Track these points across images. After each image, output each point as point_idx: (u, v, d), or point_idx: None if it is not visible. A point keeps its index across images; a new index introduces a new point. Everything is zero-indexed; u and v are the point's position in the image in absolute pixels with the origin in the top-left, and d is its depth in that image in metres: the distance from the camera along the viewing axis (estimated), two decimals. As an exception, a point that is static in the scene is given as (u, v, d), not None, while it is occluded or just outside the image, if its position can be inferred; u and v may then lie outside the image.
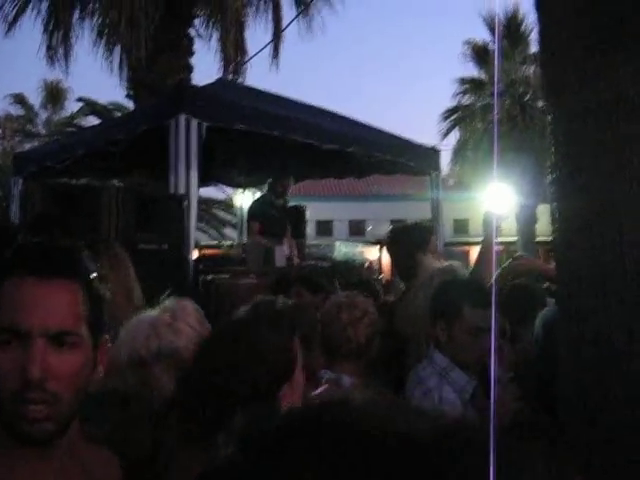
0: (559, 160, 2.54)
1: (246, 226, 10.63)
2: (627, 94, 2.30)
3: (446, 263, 3.84)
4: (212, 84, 8.23)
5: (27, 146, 23.62)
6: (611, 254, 2.29)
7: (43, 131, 28.10)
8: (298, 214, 7.69)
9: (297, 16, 11.92)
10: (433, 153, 8.93)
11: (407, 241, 3.92)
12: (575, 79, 2.43)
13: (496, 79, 25.24)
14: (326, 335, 2.85)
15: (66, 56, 12.26)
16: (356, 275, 6.71)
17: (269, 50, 12.27)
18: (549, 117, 2.66)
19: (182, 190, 5.77)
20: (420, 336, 3.16)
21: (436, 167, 8.80)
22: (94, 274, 1.31)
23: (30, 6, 12.13)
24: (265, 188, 8.26)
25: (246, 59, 12.14)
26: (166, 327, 2.17)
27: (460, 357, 2.73)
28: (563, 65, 2.49)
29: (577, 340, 2.37)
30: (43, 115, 29.53)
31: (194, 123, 5.93)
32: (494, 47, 25.39)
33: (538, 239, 24.27)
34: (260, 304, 2.76)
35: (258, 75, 12.52)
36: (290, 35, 12.32)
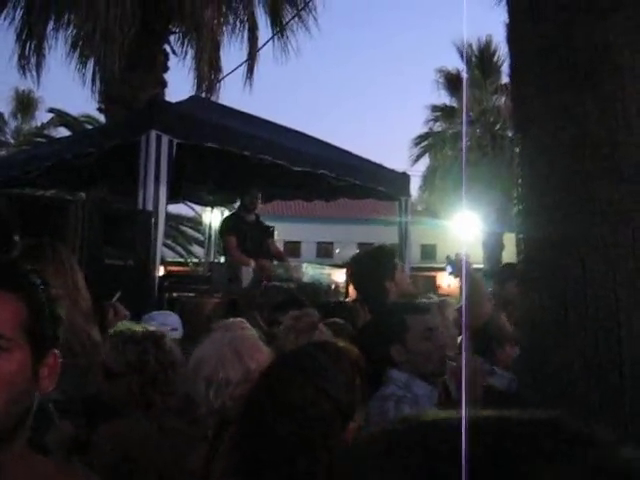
0: (525, 193, 2.58)
1: (216, 244, 10.61)
2: (592, 132, 2.35)
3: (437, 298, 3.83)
4: (185, 101, 8.23)
5: (-5, 155, 23.33)
6: (573, 287, 2.33)
7: (12, 140, 27.78)
8: (267, 234, 7.67)
9: (272, 37, 11.97)
10: (404, 179, 9.00)
11: (374, 270, 3.88)
12: (543, 114, 2.48)
13: (465, 108, 25.56)
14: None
15: (38, 66, 12.13)
16: (322, 297, 6.69)
17: (243, 70, 12.30)
18: (517, 149, 2.71)
19: (150, 206, 5.74)
20: None
21: (406, 193, 8.87)
22: (42, 288, 1.30)
23: (3, 14, 12.01)
24: (236, 205, 8.24)
25: (220, 77, 12.15)
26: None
27: (423, 366, 2.75)
28: (532, 100, 2.53)
29: (539, 370, 2.40)
30: (12, 124, 29.24)
31: (165, 139, 5.92)
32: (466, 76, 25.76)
33: (503, 267, 24.46)
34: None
35: (232, 94, 12.53)
36: (265, 56, 12.40)
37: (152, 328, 2.76)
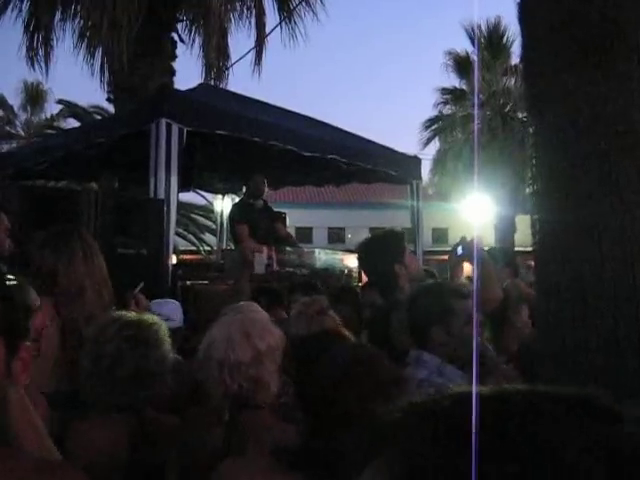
0: (539, 173, 2.56)
1: (228, 231, 10.62)
2: (605, 110, 2.32)
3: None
4: (194, 89, 8.21)
5: (5, 147, 23.41)
6: (590, 267, 2.31)
7: (22, 133, 27.86)
8: (276, 219, 7.66)
9: (280, 23, 11.90)
10: (415, 162, 8.97)
11: (384, 254, 3.85)
12: (556, 93, 2.45)
13: (476, 90, 25.41)
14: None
15: (46, 58, 12.11)
16: (336, 282, 6.69)
17: (252, 56, 12.25)
18: (531, 130, 2.68)
19: (162, 195, 5.74)
20: None
21: (417, 176, 8.83)
22: (14, 283, 1.31)
23: (10, 6, 12.00)
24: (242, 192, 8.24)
25: (228, 64, 12.11)
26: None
27: (461, 351, 2.71)
28: (545, 79, 2.50)
29: (557, 351, 2.39)
30: (22, 117, 29.30)
31: (175, 128, 5.91)
32: (475, 58, 25.56)
33: (517, 249, 24.41)
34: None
35: (240, 81, 12.48)
36: (273, 42, 12.38)
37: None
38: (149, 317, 2.59)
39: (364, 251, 4.02)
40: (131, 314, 2.58)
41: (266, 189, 7.57)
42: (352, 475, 0.61)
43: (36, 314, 2.18)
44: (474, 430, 0.54)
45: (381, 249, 3.86)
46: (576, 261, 2.36)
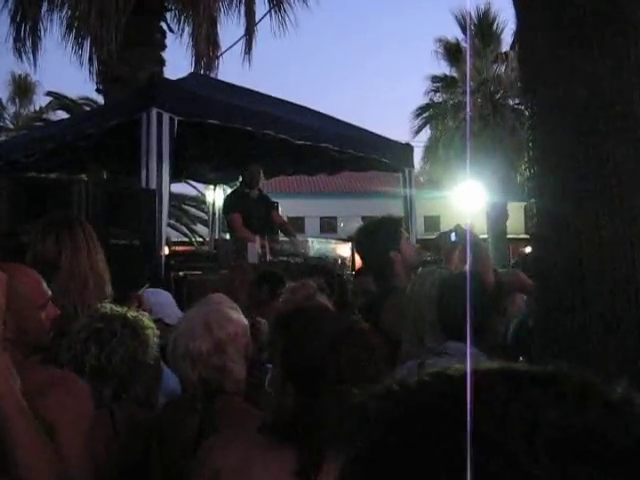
0: (536, 155, 2.53)
1: (220, 222, 10.58)
2: (602, 90, 2.30)
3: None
4: (184, 78, 8.15)
5: (-6, 140, 23.24)
6: (588, 249, 2.29)
7: (11, 125, 27.68)
8: (271, 208, 7.64)
9: (269, 11, 11.84)
10: (407, 149, 8.94)
11: (379, 240, 3.81)
12: (552, 74, 2.43)
13: (468, 77, 25.38)
14: None
15: (34, 49, 12.01)
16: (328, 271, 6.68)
17: (242, 45, 12.19)
18: (526, 112, 2.66)
19: (153, 185, 5.70)
20: (411, 336, 3.05)
21: (410, 164, 8.81)
22: None
23: (-3, -3, 11.90)
24: (237, 182, 8.22)
25: (218, 54, 12.03)
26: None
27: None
28: (540, 60, 2.48)
29: (554, 335, 2.37)
30: (11, 109, 29.10)
31: (166, 117, 5.87)
32: (466, 45, 25.53)
33: (509, 236, 24.47)
34: None
35: (231, 71, 12.43)
36: (263, 32, 12.34)
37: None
38: (131, 312, 2.57)
39: (360, 236, 3.97)
40: (118, 309, 2.56)
41: (262, 179, 7.56)
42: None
43: (49, 304, 2.18)
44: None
45: (377, 235, 3.81)
46: (574, 244, 2.34)
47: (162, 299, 3.93)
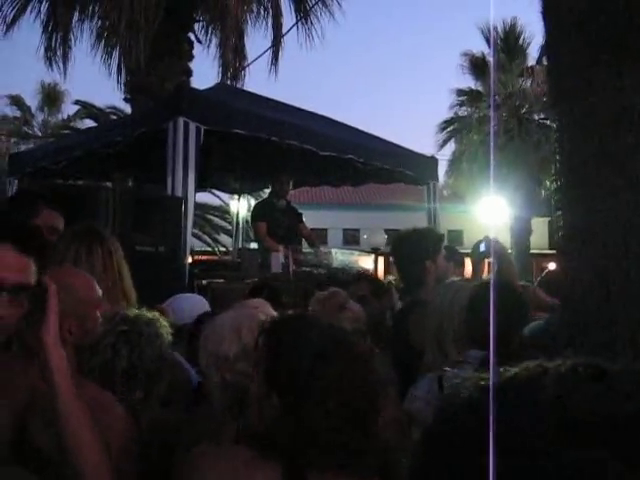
0: (563, 169, 2.53)
1: (243, 231, 10.64)
2: (632, 104, 2.30)
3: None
4: (211, 88, 8.23)
5: (23, 148, 23.54)
6: (615, 264, 2.28)
7: (39, 133, 28.03)
8: (298, 219, 7.67)
9: (296, 23, 11.93)
10: (432, 162, 8.93)
11: (419, 247, 3.79)
12: (581, 88, 2.42)
13: (492, 91, 25.31)
14: None
15: (64, 58, 12.21)
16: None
17: (268, 57, 12.28)
18: (553, 126, 2.65)
19: (179, 193, 5.75)
20: (432, 347, 3.03)
21: (434, 177, 8.80)
22: None
23: (29, 7, 12.09)
24: (266, 191, 8.29)
25: (245, 65, 12.13)
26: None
27: None
28: (569, 74, 2.48)
29: (581, 348, 2.36)
30: (40, 117, 29.48)
31: (192, 126, 5.92)
32: (491, 59, 25.46)
33: (532, 251, 24.31)
34: None
35: (257, 82, 12.52)
36: (290, 44, 12.48)
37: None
38: (147, 313, 2.58)
39: (401, 241, 3.96)
40: (136, 311, 2.57)
41: (290, 189, 7.61)
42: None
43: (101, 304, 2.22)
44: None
45: (418, 242, 3.81)
46: (600, 257, 2.33)
47: (188, 304, 3.95)
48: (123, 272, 3.01)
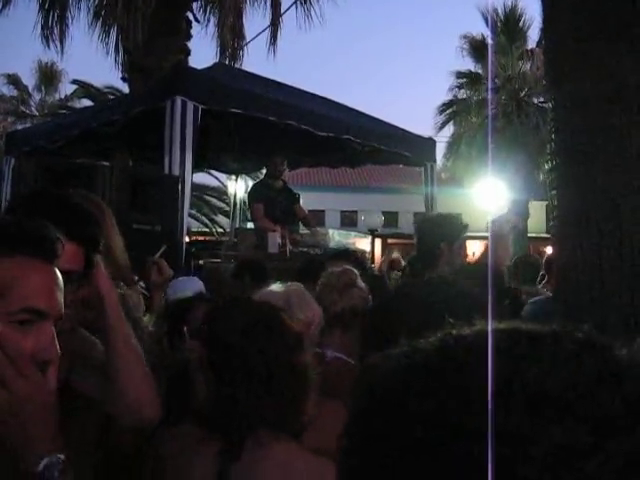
0: (558, 148, 2.53)
1: (241, 212, 10.63)
2: (628, 83, 2.30)
3: None
4: (209, 68, 8.19)
5: (20, 127, 23.45)
6: (609, 242, 2.29)
7: (36, 113, 27.91)
8: (294, 200, 7.66)
9: (295, 2, 11.84)
10: (430, 144, 8.92)
11: (440, 230, 3.80)
12: (577, 67, 2.42)
13: (491, 74, 25.23)
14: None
15: (61, 36, 12.11)
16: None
17: (267, 37, 12.21)
18: (550, 105, 2.66)
19: (176, 173, 5.73)
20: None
21: (432, 158, 8.78)
22: None
23: (26, -16, 11.99)
24: (263, 172, 8.27)
25: (243, 44, 12.06)
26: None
27: None
28: (566, 53, 2.48)
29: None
30: (37, 97, 29.34)
31: (190, 105, 5.89)
32: (491, 41, 25.37)
33: (530, 234, 24.32)
34: None
35: (255, 63, 12.46)
36: (289, 25, 12.42)
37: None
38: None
39: (423, 221, 4.00)
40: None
41: (285, 170, 7.58)
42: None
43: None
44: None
45: (438, 224, 3.83)
46: (595, 238, 2.34)
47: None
48: (118, 243, 3.02)
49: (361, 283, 3.12)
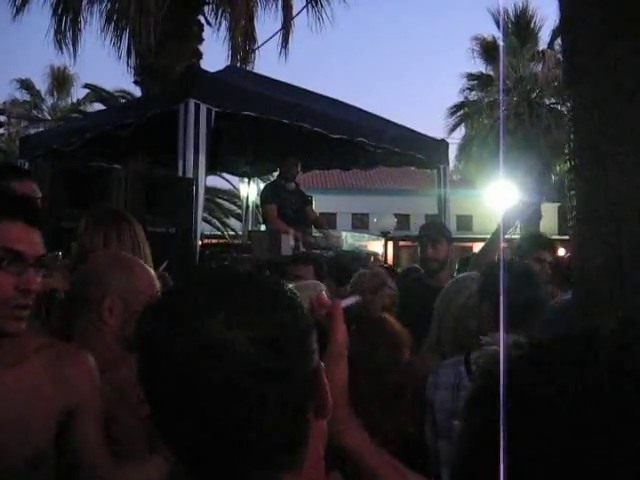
0: (577, 148, 2.51)
1: (253, 215, 10.65)
2: (648, 83, 2.28)
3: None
4: (222, 71, 8.21)
5: (32, 131, 23.59)
6: (629, 244, 2.27)
7: (49, 117, 28.08)
8: (306, 202, 7.66)
9: (306, 5, 11.88)
10: (442, 146, 8.89)
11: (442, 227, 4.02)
12: (595, 66, 2.40)
13: (501, 75, 25.18)
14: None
15: (74, 41, 12.19)
16: (362, 266, 6.68)
17: (278, 40, 12.24)
18: (567, 105, 2.64)
19: (190, 175, 5.75)
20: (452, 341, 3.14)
21: (444, 160, 8.75)
22: None
23: (39, -11, 12.07)
24: (275, 174, 8.28)
25: (255, 47, 12.10)
26: None
27: None
28: (584, 52, 2.46)
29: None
30: (49, 101, 29.54)
31: (203, 108, 5.91)
32: (502, 43, 25.36)
33: (542, 237, 24.23)
34: None
35: (267, 65, 12.49)
36: (300, 28, 12.46)
37: None
38: None
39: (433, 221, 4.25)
40: None
41: (299, 172, 7.59)
42: None
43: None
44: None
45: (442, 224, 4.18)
46: (614, 240, 2.31)
47: None
48: (147, 254, 3.05)
49: (391, 283, 3.22)
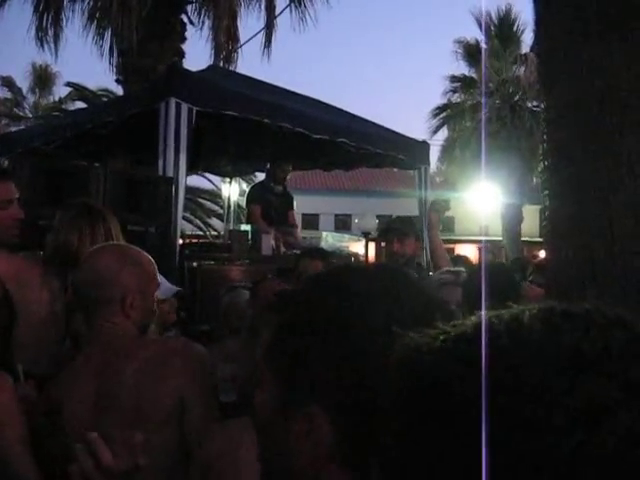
0: (550, 150, 2.54)
1: (235, 215, 10.65)
2: (618, 84, 2.31)
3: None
4: (204, 70, 8.19)
5: (14, 129, 23.43)
6: (600, 243, 2.30)
7: (30, 115, 27.89)
8: (290, 205, 7.69)
9: (289, 5, 11.89)
10: (423, 147, 8.91)
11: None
12: (568, 69, 2.44)
13: (484, 78, 25.30)
14: None
15: (56, 38, 12.12)
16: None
17: (261, 39, 12.24)
18: (542, 106, 2.67)
19: (171, 174, 5.73)
20: None
21: (426, 161, 8.77)
22: None
23: (21, -14, 11.99)
24: (259, 175, 8.31)
25: (238, 47, 12.10)
26: None
27: None
28: (557, 55, 2.49)
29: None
30: (31, 99, 29.34)
31: (184, 107, 5.88)
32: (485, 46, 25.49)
33: (523, 239, 24.39)
34: None
35: (250, 65, 12.48)
36: (283, 28, 12.47)
37: None
38: None
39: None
40: None
41: (289, 177, 7.63)
42: None
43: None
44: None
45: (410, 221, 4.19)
46: (587, 238, 2.34)
47: None
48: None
49: None
